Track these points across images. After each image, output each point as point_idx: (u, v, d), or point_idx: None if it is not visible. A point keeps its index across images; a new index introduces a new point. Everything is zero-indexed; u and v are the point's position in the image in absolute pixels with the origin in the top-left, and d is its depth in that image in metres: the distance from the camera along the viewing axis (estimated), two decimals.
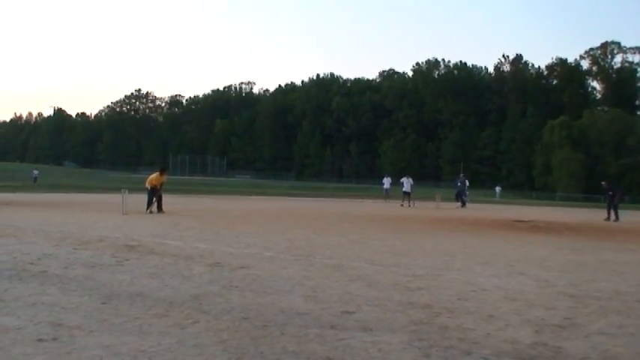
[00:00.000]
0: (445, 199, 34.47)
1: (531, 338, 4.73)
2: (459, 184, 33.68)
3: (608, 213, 25.01)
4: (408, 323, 5.06)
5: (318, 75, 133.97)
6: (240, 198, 35.08)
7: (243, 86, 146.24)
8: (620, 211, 25.20)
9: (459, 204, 32.13)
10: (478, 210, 30.24)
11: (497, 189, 64.74)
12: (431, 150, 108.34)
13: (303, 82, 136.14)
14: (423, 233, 15.00)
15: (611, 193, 26.03)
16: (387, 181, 38.96)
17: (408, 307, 5.73)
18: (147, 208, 19.06)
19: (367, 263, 8.67)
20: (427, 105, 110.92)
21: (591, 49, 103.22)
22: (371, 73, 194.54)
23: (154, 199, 19.35)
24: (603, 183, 28.06)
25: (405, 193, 32.18)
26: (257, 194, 41.91)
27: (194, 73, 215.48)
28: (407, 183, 32.53)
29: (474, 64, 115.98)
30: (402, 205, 30.94)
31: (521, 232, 16.55)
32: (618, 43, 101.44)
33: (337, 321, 5.06)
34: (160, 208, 19.35)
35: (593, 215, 27.78)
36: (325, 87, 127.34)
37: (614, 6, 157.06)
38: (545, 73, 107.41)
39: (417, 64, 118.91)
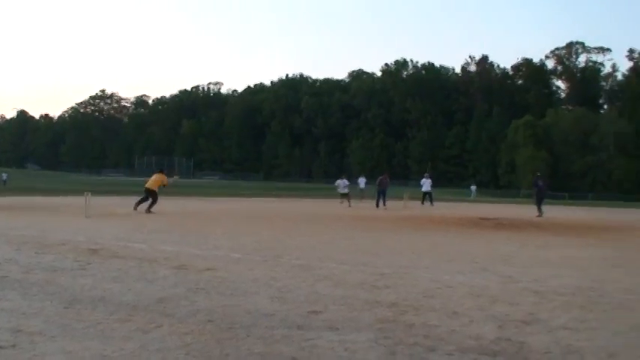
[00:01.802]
0: (413, 198, 34.62)
1: (495, 334, 4.77)
2: (377, 184, 31.60)
3: (539, 208, 24.79)
4: (375, 322, 5.08)
5: (287, 75, 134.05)
6: (207, 199, 34.87)
7: (211, 86, 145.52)
8: (544, 207, 25.35)
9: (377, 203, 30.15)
10: (444, 208, 30.48)
11: (473, 188, 65.06)
12: (399, 149, 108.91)
13: (272, 82, 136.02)
14: (391, 232, 15.07)
15: (536, 188, 26.12)
16: (362, 181, 39.18)
17: (374, 305, 5.75)
18: (150, 207, 19.61)
19: (335, 263, 8.68)
20: (395, 105, 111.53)
21: (556, 49, 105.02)
22: (340, 74, 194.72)
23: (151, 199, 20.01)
24: (537, 177, 28.04)
25: (343, 194, 31.80)
26: (225, 195, 41.71)
27: (161, 74, 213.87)
28: (342, 184, 32.30)
29: (442, 64, 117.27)
30: (341, 202, 30.65)
31: (487, 229, 16.72)
32: (582, 43, 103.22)
33: (304, 321, 5.05)
34: (139, 205, 19.94)
35: (557, 212, 28.19)
36: (294, 87, 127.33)
37: (578, 6, 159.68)
38: (511, 73, 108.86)
39: (386, 64, 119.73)
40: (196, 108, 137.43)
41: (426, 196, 33.98)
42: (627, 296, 6.71)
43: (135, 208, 19.76)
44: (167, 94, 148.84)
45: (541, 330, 4.97)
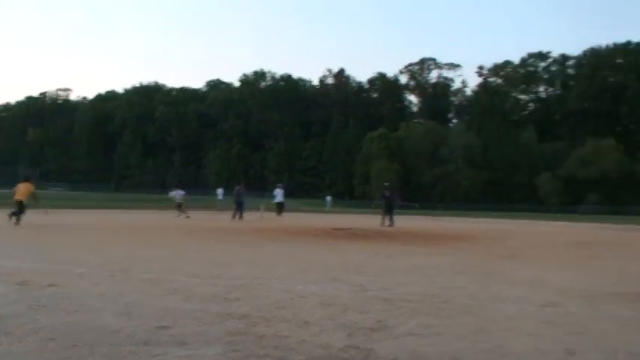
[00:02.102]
0: (269, 210, 34.75)
1: (344, 342, 4.85)
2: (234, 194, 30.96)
3: (390, 218, 25.69)
4: (225, 334, 5.01)
5: (141, 83, 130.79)
6: (53, 211, 33.11)
7: (60, 93, 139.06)
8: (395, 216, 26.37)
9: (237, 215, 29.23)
10: (300, 219, 30.82)
11: (328, 198, 66.34)
12: (256, 160, 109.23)
13: (125, 89, 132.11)
14: (245, 243, 15.00)
15: (384, 199, 26.98)
16: (220, 192, 38.83)
17: (225, 318, 5.67)
18: (18, 220, 18.99)
19: (186, 276, 8.49)
20: (253, 115, 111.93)
21: (410, 64, 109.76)
22: (197, 83, 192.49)
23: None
24: (385, 188, 28.87)
25: (179, 205, 31.15)
26: (72, 207, 39.81)
27: (5, 79, 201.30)
28: (178, 195, 31.85)
29: (300, 76, 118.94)
30: (178, 215, 29.75)
31: (341, 239, 17.04)
32: (434, 60, 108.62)
33: (151, 337, 4.90)
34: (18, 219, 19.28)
35: (407, 222, 29.32)
36: (148, 95, 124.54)
37: (431, 24, 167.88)
38: (367, 86, 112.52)
39: (244, 74, 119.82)
40: (43, 115, 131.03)
41: (280, 207, 34.23)
42: (470, 301, 7.05)
43: (16, 224, 18.87)
44: (12, 101, 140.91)
45: (388, 336, 5.11)
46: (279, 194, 34.84)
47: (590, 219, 48.25)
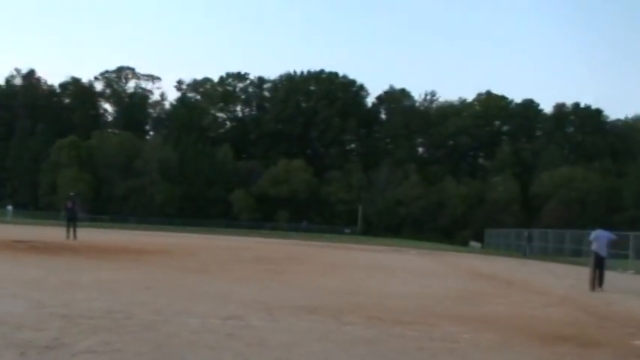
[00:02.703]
0: None
1: None
2: None
3: (74, 231, 24.82)
4: None
5: None
6: None
7: None
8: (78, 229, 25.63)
9: None
10: None
11: (9, 208, 61.44)
12: None
13: None
14: None
15: (67, 211, 26.11)
16: None
17: None
18: None
19: None
20: None
21: (106, 71, 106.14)
22: None
23: None
24: (69, 199, 27.77)
25: None
26: None
27: None
28: None
29: None
30: None
31: (19, 252, 16.06)
32: (133, 69, 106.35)
33: None
34: None
35: (96, 235, 28.47)
36: None
37: (132, 31, 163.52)
38: (59, 91, 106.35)
39: None
40: None
41: None
42: (154, 317, 7.10)
43: None
44: None
45: (65, 355, 4.97)
46: None
47: (280, 235, 51.42)
